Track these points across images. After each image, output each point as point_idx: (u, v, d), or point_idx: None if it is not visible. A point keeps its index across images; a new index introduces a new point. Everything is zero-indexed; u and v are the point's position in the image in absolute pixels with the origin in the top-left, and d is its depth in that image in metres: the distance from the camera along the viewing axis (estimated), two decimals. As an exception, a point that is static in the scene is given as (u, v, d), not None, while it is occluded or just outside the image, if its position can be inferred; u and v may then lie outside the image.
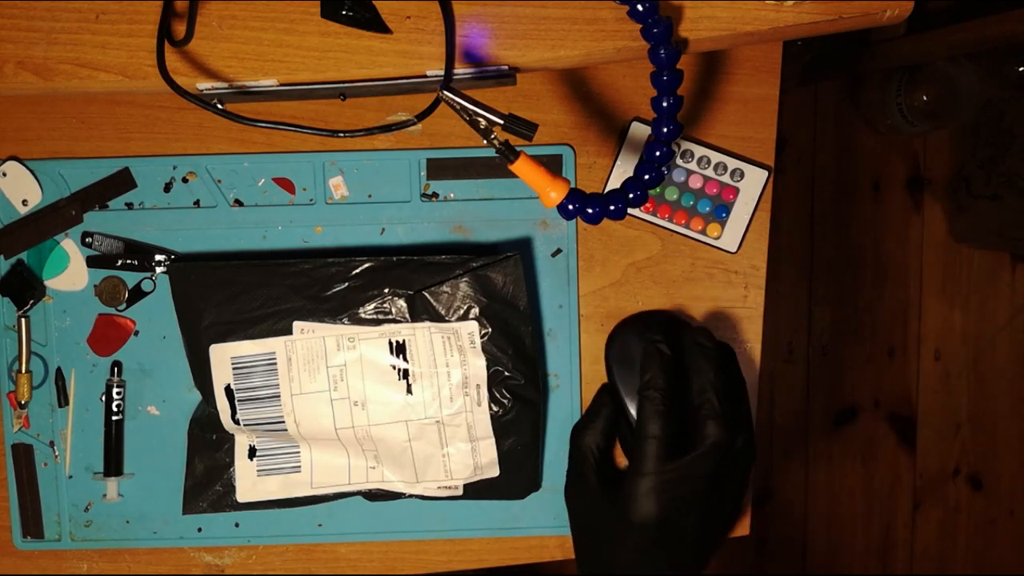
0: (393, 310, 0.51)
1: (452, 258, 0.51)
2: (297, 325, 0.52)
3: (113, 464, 0.54)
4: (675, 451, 0.48)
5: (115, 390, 0.54)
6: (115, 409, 0.54)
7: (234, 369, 0.52)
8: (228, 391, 0.52)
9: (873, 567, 1.49)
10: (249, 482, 0.54)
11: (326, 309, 0.51)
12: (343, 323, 0.52)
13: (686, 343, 0.51)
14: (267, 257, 0.54)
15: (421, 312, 0.51)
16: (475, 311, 0.51)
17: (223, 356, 0.52)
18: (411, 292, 0.51)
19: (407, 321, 0.51)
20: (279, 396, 0.52)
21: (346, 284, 0.51)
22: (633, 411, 0.52)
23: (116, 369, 0.54)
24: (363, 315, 0.51)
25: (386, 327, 0.52)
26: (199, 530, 0.55)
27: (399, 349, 0.51)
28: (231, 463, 0.54)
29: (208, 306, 0.51)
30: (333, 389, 0.52)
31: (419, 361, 0.52)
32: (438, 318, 0.51)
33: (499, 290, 0.51)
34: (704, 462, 0.47)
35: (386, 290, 0.51)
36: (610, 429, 0.53)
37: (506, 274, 0.51)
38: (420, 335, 0.52)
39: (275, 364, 0.52)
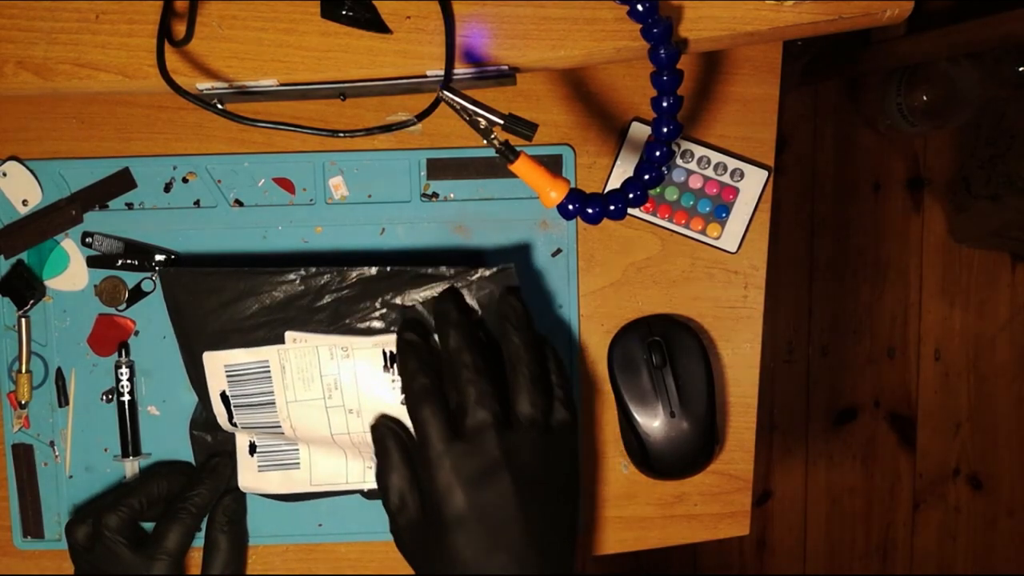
0: (386, 321, 0.51)
1: (446, 270, 0.50)
2: (289, 335, 0.51)
3: (131, 445, 0.54)
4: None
5: (121, 370, 0.54)
6: (122, 390, 0.54)
7: (228, 377, 0.51)
8: (224, 397, 0.52)
9: (873, 567, 1.49)
10: (251, 475, 0.54)
11: (318, 319, 0.50)
12: (336, 333, 0.51)
13: (498, 307, 0.48)
14: (266, 258, 0.54)
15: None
16: None
17: (217, 364, 0.51)
18: (404, 305, 0.50)
19: None
20: (274, 403, 0.52)
21: (338, 295, 0.50)
22: (637, 416, 0.52)
23: (123, 351, 0.54)
24: (356, 326, 0.50)
25: (379, 337, 0.51)
26: (199, 530, 0.55)
27: (393, 359, 0.51)
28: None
29: (200, 313, 0.51)
30: (328, 397, 0.51)
31: None
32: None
33: (494, 301, 0.50)
34: (511, 437, 0.44)
35: (378, 302, 0.50)
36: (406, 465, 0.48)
37: (501, 285, 0.50)
38: None
39: (269, 373, 0.51)
